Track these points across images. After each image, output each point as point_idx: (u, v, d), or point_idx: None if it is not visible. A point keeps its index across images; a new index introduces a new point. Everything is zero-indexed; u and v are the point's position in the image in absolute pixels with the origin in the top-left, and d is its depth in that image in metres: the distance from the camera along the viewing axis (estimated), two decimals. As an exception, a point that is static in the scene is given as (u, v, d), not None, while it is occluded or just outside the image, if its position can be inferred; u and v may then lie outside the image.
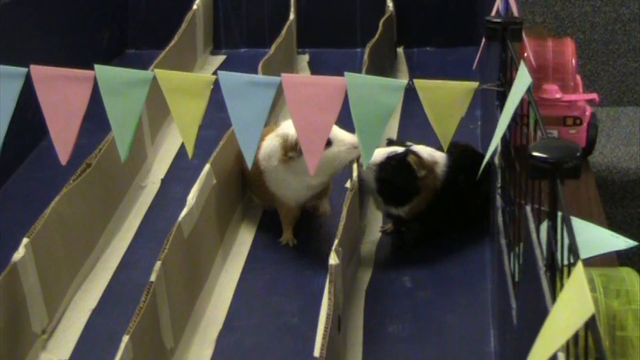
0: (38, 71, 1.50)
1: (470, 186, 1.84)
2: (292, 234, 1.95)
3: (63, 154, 1.51)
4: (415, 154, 1.84)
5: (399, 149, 1.85)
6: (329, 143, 1.81)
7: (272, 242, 1.95)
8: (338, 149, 1.84)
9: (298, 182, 1.88)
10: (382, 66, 2.55)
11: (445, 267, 1.85)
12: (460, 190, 1.87)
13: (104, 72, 1.48)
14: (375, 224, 1.98)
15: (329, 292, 1.54)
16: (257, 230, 1.99)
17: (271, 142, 1.91)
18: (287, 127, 1.88)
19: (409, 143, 1.87)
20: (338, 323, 1.55)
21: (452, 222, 1.91)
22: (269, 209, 2.04)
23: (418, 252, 1.88)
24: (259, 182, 1.95)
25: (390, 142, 1.90)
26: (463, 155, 1.90)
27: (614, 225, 2.98)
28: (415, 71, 2.72)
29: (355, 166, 1.88)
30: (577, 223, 1.53)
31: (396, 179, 1.83)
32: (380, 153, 1.84)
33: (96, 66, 1.48)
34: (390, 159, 1.83)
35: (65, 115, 1.49)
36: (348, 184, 2.04)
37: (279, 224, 1.98)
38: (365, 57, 2.34)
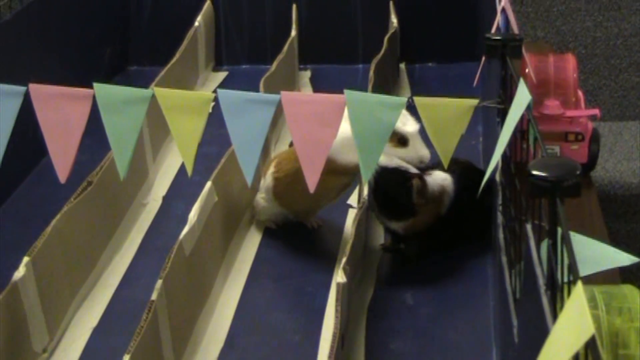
0: (37, 90, 1.50)
1: (472, 204, 1.84)
2: None
3: (62, 172, 1.51)
4: (423, 180, 1.81)
5: (410, 167, 1.82)
6: (404, 142, 1.82)
7: (273, 259, 1.95)
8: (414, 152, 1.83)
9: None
10: (386, 82, 2.55)
11: (447, 284, 1.84)
12: (462, 209, 1.86)
13: (103, 91, 1.48)
14: (377, 241, 1.97)
15: (336, 310, 1.53)
16: (258, 247, 1.98)
17: None
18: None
19: (430, 172, 1.85)
20: (341, 341, 1.55)
21: (454, 240, 1.90)
22: (273, 225, 2.03)
23: (420, 269, 1.88)
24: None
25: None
26: (465, 173, 1.88)
27: (616, 240, 2.98)
28: (417, 87, 2.71)
29: (365, 185, 1.86)
30: (579, 239, 1.52)
31: (390, 190, 1.81)
32: (395, 160, 1.82)
33: (95, 84, 1.48)
34: (397, 171, 1.81)
35: (65, 134, 1.49)
36: (352, 202, 2.04)
37: (280, 240, 1.98)
38: (371, 73, 2.33)
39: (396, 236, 1.90)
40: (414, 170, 1.82)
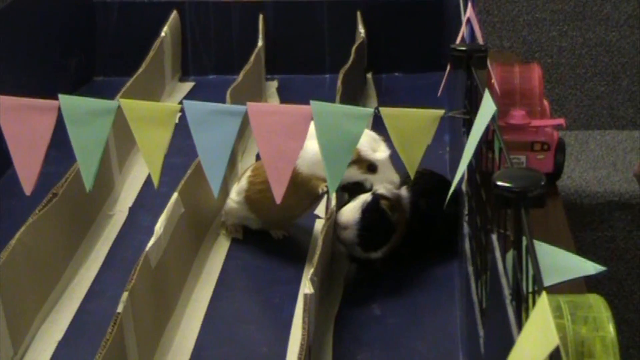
0: (1, 101, 1.49)
1: (432, 209, 1.84)
2: None
3: (27, 184, 1.50)
4: (382, 196, 1.82)
5: (364, 197, 1.82)
6: (373, 169, 1.82)
7: (240, 271, 1.94)
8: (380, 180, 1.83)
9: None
10: (354, 92, 2.56)
11: (414, 294, 1.85)
12: (424, 214, 1.87)
13: (69, 102, 1.47)
14: (343, 251, 1.97)
15: (304, 321, 1.53)
16: (225, 259, 1.98)
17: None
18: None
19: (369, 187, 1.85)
20: (308, 352, 1.55)
21: (421, 246, 1.90)
22: (240, 236, 2.02)
23: (387, 280, 1.88)
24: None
25: (345, 188, 1.86)
26: (419, 180, 1.87)
27: (582, 249, 2.99)
28: (384, 97, 2.72)
29: (332, 195, 1.86)
30: (545, 248, 1.53)
31: (376, 228, 1.81)
32: (353, 211, 1.81)
33: (60, 96, 1.47)
34: (365, 213, 1.81)
35: (30, 145, 1.48)
36: (320, 213, 2.04)
37: (247, 252, 1.97)
38: (339, 83, 2.33)
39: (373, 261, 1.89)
40: (364, 196, 1.82)
